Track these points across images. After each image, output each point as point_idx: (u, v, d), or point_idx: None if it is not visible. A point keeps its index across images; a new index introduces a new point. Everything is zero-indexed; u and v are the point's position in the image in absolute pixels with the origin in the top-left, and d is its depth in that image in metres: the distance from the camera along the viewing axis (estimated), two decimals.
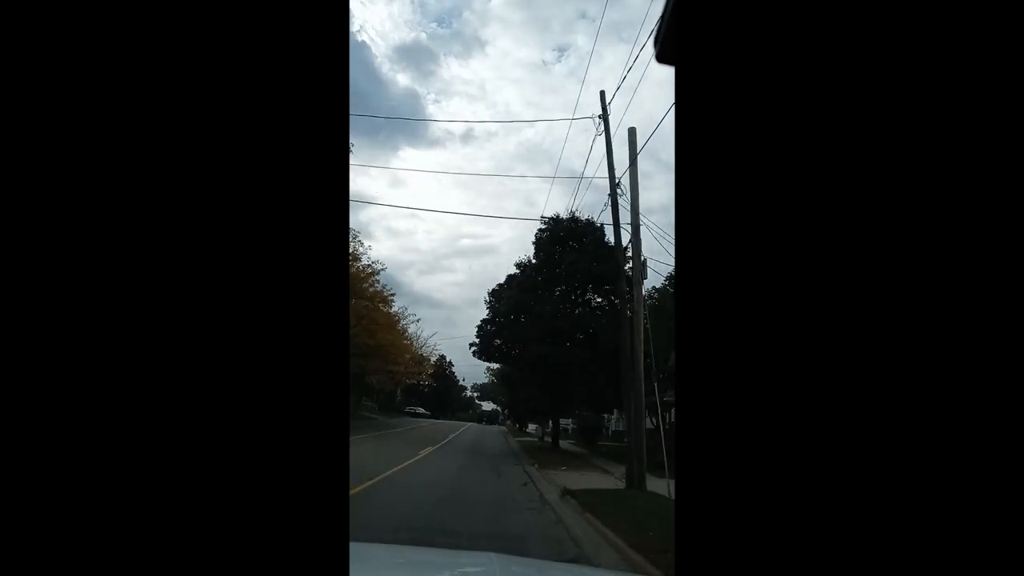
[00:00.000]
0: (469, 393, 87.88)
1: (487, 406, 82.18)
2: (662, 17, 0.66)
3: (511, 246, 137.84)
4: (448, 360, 79.33)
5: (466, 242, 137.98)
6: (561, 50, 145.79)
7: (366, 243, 46.55)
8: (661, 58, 0.66)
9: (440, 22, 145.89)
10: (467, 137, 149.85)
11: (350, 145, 1.14)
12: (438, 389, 76.71)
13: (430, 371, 67.00)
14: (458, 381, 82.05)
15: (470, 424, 55.11)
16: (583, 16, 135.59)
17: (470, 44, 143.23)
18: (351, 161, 0.98)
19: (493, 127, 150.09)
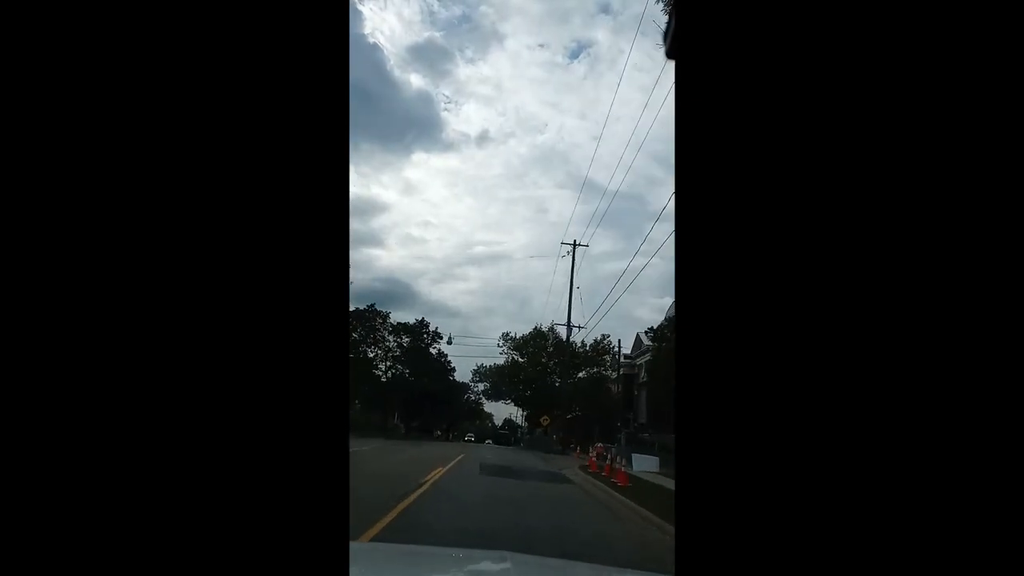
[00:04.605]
0: (475, 389, 54.19)
1: (499, 412, 47.93)
2: (670, 13, 0.65)
3: (525, 252, 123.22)
4: (432, 327, 45.82)
5: (479, 249, 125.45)
6: (581, 46, 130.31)
7: None
8: (670, 54, 0.67)
9: (449, 27, 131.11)
10: (482, 140, 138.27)
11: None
12: (418, 382, 43.12)
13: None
14: (450, 366, 48.24)
15: (453, 464, 16.22)
16: (605, 11, 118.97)
17: (487, 40, 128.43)
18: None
19: (508, 128, 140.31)
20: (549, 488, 12.29)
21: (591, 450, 21.13)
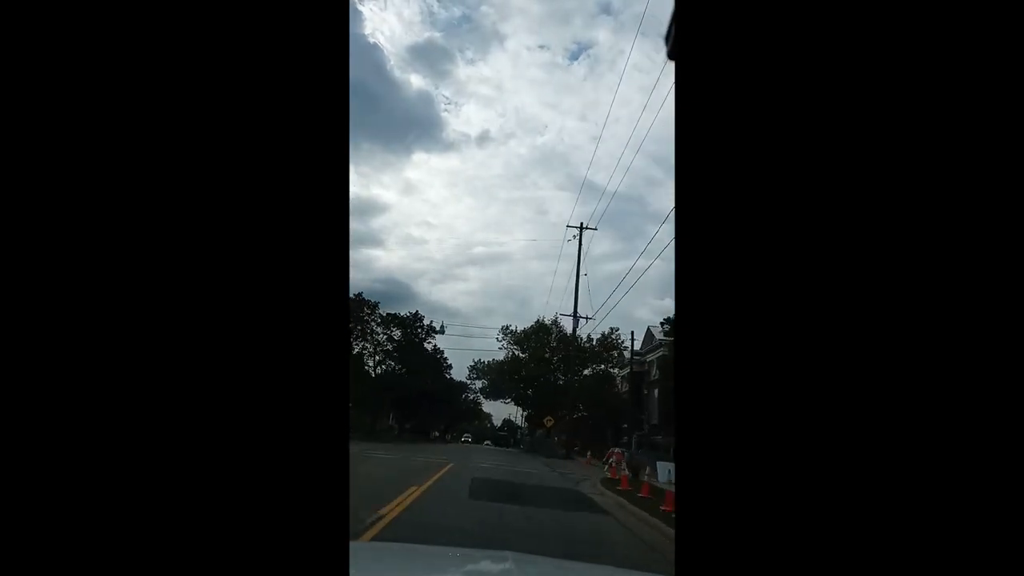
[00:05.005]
0: (472, 386, 50.88)
1: (498, 412, 44.70)
2: (671, 16, 0.67)
3: (525, 252, 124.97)
4: (427, 321, 42.54)
5: (480, 250, 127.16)
6: (581, 47, 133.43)
7: None
8: (671, 55, 0.67)
9: (449, 28, 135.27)
10: (482, 140, 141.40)
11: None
12: (412, 380, 39.76)
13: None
14: (447, 362, 44.96)
15: (435, 480, 11.86)
16: (606, 11, 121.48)
17: (488, 40, 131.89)
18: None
19: (508, 128, 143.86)
20: (576, 523, 8.30)
21: (611, 458, 17.72)
